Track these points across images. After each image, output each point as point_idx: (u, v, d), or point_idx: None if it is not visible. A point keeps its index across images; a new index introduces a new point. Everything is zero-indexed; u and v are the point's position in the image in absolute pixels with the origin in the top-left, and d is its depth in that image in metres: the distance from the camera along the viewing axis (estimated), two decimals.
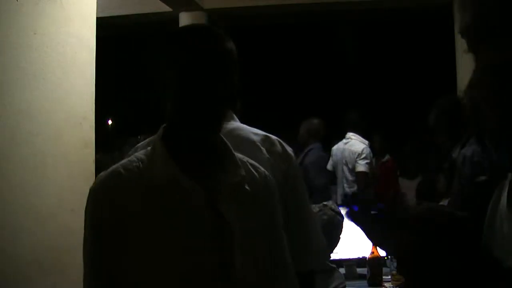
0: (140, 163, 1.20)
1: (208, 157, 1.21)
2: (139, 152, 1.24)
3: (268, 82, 8.22)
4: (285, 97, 8.33)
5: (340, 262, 2.89)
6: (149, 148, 1.23)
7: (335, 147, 5.08)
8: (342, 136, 5.19)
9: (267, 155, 1.50)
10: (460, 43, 5.57)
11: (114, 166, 1.20)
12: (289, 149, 1.58)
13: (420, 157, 5.71)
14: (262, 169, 1.32)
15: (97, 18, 2.53)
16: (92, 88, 2.49)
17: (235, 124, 1.59)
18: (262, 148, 1.52)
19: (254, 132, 1.57)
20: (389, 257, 3.04)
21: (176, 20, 5.77)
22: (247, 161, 1.30)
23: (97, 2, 2.58)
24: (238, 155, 1.28)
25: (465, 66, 5.53)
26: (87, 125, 2.44)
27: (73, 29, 2.39)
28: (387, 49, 7.85)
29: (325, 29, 7.74)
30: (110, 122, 14.79)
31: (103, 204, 1.16)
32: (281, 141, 1.58)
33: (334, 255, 2.65)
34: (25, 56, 2.16)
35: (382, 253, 2.97)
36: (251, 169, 1.29)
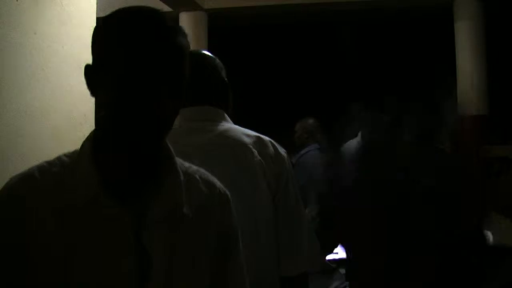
0: (62, 169, 0.95)
1: (143, 172, 0.96)
2: (66, 153, 1.00)
3: (268, 82, 8.23)
4: (284, 97, 8.33)
5: (340, 262, 2.89)
6: (76, 150, 0.99)
7: (347, 145, 4.97)
8: (339, 136, 5.17)
9: (259, 158, 1.48)
10: (461, 44, 5.57)
11: (30, 168, 0.97)
12: (282, 151, 1.56)
13: None
14: (221, 188, 1.07)
15: (97, 18, 2.53)
16: None
17: (226, 125, 1.56)
18: (254, 150, 1.49)
19: (246, 134, 1.54)
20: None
21: (177, 20, 5.77)
22: (200, 177, 1.05)
23: (97, 2, 2.58)
24: (192, 168, 1.05)
25: (465, 66, 5.53)
26: (87, 125, 2.44)
27: (73, 29, 2.39)
28: (387, 49, 7.85)
29: (325, 29, 7.74)
30: None
31: (7, 215, 0.92)
32: (274, 142, 1.56)
33: (334, 255, 2.65)
34: (25, 56, 2.16)
35: None
36: (202, 187, 1.03)
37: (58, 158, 0.98)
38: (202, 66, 1.57)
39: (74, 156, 0.97)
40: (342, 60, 8.25)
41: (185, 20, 5.63)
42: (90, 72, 0.96)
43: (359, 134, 4.83)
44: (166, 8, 5.62)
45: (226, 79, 1.61)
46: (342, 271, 2.82)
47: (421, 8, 6.21)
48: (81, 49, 2.39)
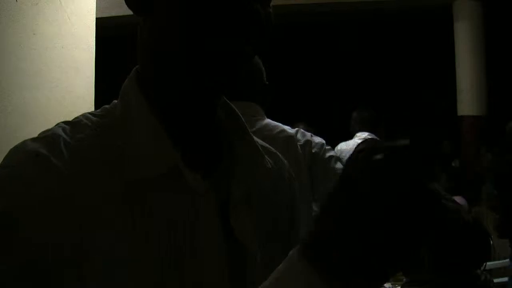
0: (99, 130, 0.67)
1: (213, 133, 0.73)
2: (92, 112, 0.71)
3: (269, 82, 8.23)
4: (283, 97, 8.34)
5: None
6: (113, 102, 0.71)
7: (343, 146, 4.83)
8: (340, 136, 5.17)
9: (302, 146, 1.63)
10: (461, 44, 5.58)
11: (43, 135, 0.70)
12: (318, 138, 1.75)
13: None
14: (281, 157, 0.86)
15: (97, 18, 2.54)
16: (92, 88, 2.49)
17: (267, 120, 1.70)
18: (298, 139, 1.65)
19: (287, 127, 1.69)
20: None
21: None
22: (262, 146, 0.80)
23: (96, 2, 2.58)
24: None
25: (464, 66, 5.53)
26: None
27: (73, 29, 2.39)
28: (387, 49, 7.86)
29: (325, 30, 7.74)
30: None
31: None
32: (311, 133, 1.76)
33: None
34: (25, 56, 2.16)
35: None
36: (269, 160, 0.79)
37: (85, 116, 0.70)
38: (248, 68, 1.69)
39: (116, 110, 0.69)
40: (341, 60, 8.25)
41: None
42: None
43: (356, 135, 4.81)
44: None
45: (266, 82, 1.75)
46: None
47: (421, 8, 6.21)
48: (80, 49, 2.39)
